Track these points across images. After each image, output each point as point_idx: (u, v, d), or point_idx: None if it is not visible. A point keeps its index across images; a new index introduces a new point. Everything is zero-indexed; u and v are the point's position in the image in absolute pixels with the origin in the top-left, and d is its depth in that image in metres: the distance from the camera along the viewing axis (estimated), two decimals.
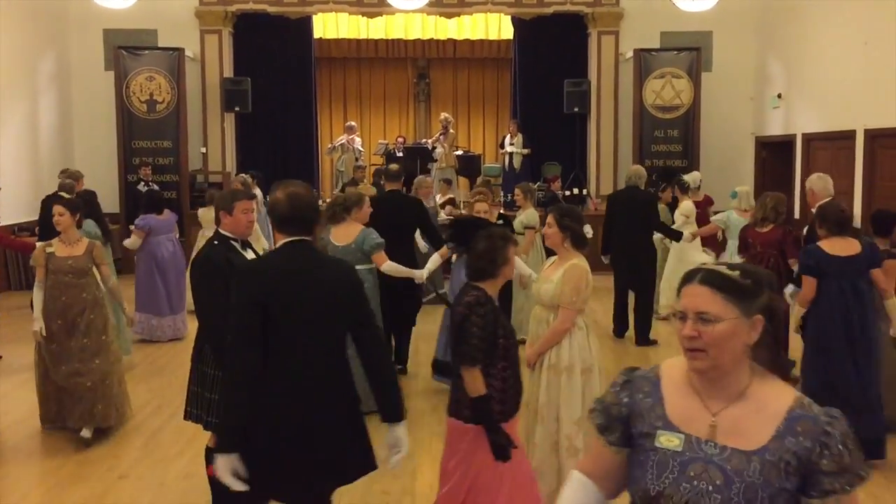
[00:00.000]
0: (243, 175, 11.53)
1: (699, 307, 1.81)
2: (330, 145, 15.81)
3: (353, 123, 15.73)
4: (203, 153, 14.11)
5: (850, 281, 5.39)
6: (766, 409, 1.78)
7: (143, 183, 12.54)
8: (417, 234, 8.89)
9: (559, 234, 4.50)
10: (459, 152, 15.41)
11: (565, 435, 4.35)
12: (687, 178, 9.85)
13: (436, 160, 14.81)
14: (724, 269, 1.85)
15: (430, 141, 15.41)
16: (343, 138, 15.30)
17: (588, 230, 4.60)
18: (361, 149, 15.35)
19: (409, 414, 6.30)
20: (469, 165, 14.89)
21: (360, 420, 3.27)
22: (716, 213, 9.37)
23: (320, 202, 13.47)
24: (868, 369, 5.38)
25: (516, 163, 14.49)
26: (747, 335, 1.80)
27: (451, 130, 15.07)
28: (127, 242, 8.88)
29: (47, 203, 7.54)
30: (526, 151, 14.46)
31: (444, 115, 15.40)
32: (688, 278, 1.88)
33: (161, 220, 8.76)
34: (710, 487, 1.76)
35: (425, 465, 5.39)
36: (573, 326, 4.41)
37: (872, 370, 5.41)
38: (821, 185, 6.79)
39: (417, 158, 15.02)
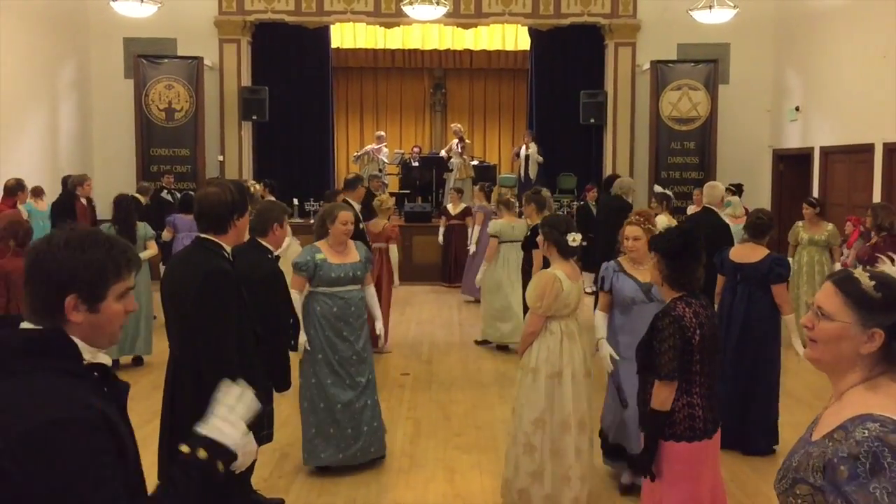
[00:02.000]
0: (252, 182, 11.71)
1: (820, 301, 1.93)
2: (356, 153, 15.89)
3: (382, 133, 15.80)
4: (220, 161, 14.19)
5: (748, 287, 5.65)
6: (842, 413, 1.83)
7: (166, 191, 12.67)
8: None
9: (545, 244, 4.66)
10: (475, 162, 15.45)
11: (523, 431, 4.54)
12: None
13: (451, 170, 14.85)
14: (865, 276, 1.89)
15: (444, 151, 15.43)
16: (371, 147, 15.37)
17: (573, 239, 4.60)
18: (387, 160, 15.41)
19: (421, 425, 6.33)
20: (485, 175, 14.91)
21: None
22: None
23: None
24: (735, 381, 5.63)
25: (532, 173, 14.48)
26: (860, 344, 1.85)
27: (467, 140, 15.11)
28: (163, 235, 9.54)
29: (122, 202, 7.87)
30: (540, 159, 14.43)
31: (456, 125, 15.44)
32: (829, 276, 2.01)
33: (187, 220, 9.28)
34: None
35: (438, 475, 5.38)
36: (545, 331, 4.53)
37: (738, 383, 5.63)
38: (707, 191, 7.56)
39: (433, 168, 15.08)
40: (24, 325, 1.80)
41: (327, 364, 5.22)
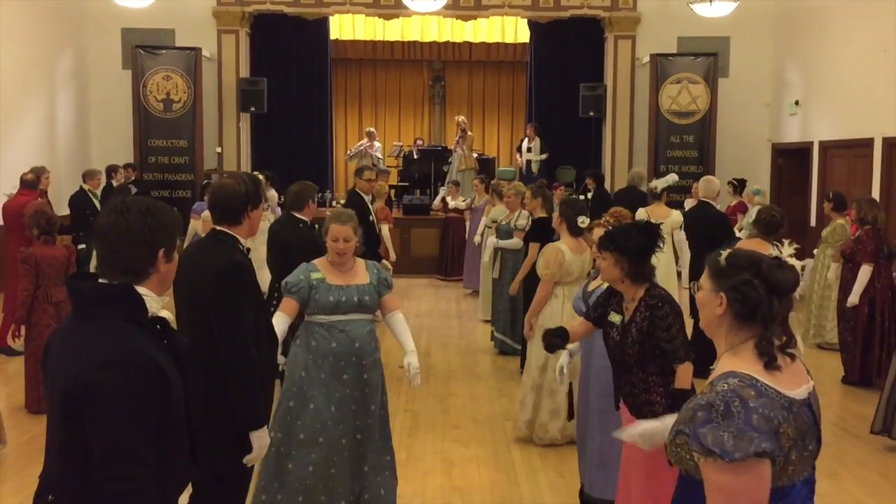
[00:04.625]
0: (266, 173, 11.76)
1: None
2: (349, 151, 15.85)
3: (372, 129, 15.78)
4: (218, 153, 14.14)
5: None
6: (715, 373, 2.10)
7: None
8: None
9: (559, 220, 5.61)
10: (475, 154, 15.41)
11: (531, 376, 5.65)
12: (656, 182, 9.24)
13: (451, 163, 14.81)
14: (727, 250, 2.19)
15: (454, 147, 15.27)
16: (363, 143, 15.34)
17: (581, 220, 5.44)
18: (380, 155, 15.37)
19: (419, 417, 6.33)
20: (483, 168, 14.88)
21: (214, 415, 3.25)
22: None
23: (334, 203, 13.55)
24: None
25: (534, 168, 14.42)
26: (715, 307, 2.15)
27: (469, 133, 15.06)
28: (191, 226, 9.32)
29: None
30: (543, 157, 14.39)
31: (460, 117, 15.40)
32: None
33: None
34: None
35: (436, 468, 5.38)
36: (551, 295, 5.48)
37: None
38: (704, 185, 8.07)
39: (432, 160, 15.06)
40: (102, 281, 2.22)
41: (318, 417, 4.07)
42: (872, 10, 10.87)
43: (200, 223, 8.40)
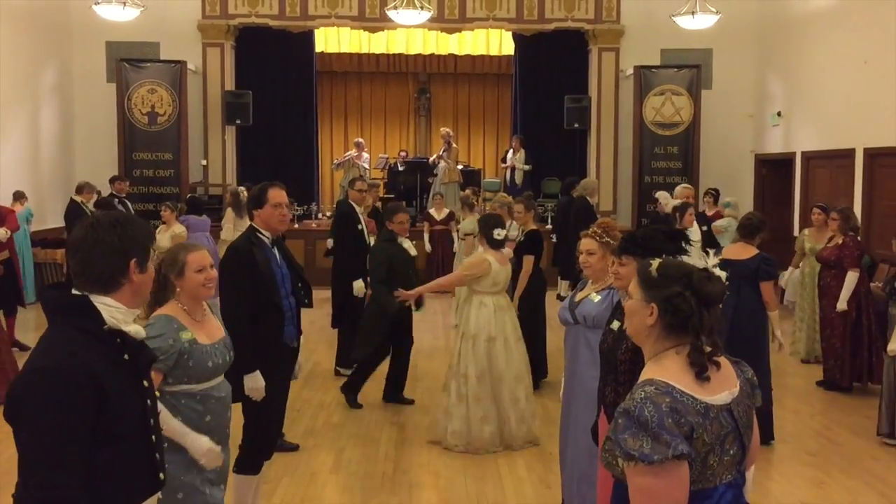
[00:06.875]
0: (239, 187, 11.72)
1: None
2: (336, 160, 15.83)
3: (361, 140, 15.77)
4: (204, 166, 14.12)
5: (736, 283, 5.76)
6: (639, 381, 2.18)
7: (117, 199, 12.46)
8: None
9: (479, 236, 6.06)
10: (460, 167, 15.45)
11: (470, 387, 5.71)
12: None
13: (436, 175, 14.83)
14: (656, 261, 2.23)
15: (433, 158, 15.37)
16: (350, 154, 15.33)
17: (497, 233, 5.85)
18: (367, 166, 15.37)
19: (406, 429, 6.32)
20: (469, 180, 14.91)
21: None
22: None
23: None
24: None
25: (518, 178, 14.49)
26: (645, 317, 2.19)
27: (454, 145, 15.10)
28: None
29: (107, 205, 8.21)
30: (527, 167, 14.45)
31: (445, 129, 15.44)
32: None
33: (199, 220, 10.45)
34: None
35: (423, 480, 5.37)
36: (479, 305, 5.78)
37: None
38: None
39: (418, 173, 15.07)
40: (74, 291, 2.23)
41: None
42: (853, 22, 11.00)
43: (167, 237, 8.39)
